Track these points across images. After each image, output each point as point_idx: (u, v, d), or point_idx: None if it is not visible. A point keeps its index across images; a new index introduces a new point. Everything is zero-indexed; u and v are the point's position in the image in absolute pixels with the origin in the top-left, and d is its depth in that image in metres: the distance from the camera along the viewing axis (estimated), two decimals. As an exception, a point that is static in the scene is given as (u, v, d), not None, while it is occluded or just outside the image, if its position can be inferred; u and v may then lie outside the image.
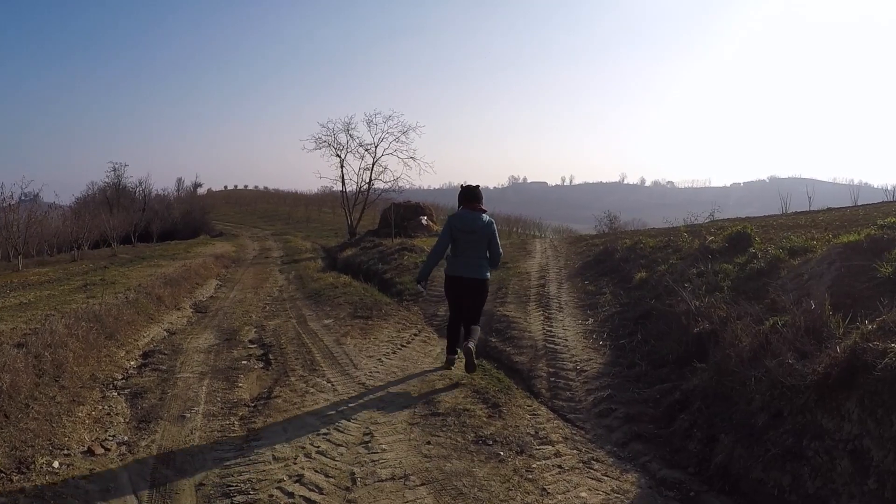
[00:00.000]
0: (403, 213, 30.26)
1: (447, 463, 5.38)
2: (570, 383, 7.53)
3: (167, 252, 27.99)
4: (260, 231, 49.79)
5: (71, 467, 5.51)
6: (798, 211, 23.69)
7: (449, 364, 8.15)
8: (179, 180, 77.17)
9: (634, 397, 6.83)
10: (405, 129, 33.82)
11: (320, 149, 34.60)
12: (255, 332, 11.35)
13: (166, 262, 22.47)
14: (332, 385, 7.73)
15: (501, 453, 5.56)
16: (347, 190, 35.48)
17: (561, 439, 5.95)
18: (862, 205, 23.20)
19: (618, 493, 4.92)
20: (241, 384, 8.10)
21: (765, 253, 9.36)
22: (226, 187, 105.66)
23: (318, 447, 5.82)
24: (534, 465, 5.33)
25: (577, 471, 5.29)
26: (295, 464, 5.46)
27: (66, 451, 5.85)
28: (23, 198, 30.43)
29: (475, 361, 7.64)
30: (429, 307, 12.71)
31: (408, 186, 35.31)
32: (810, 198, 24.78)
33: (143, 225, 43.66)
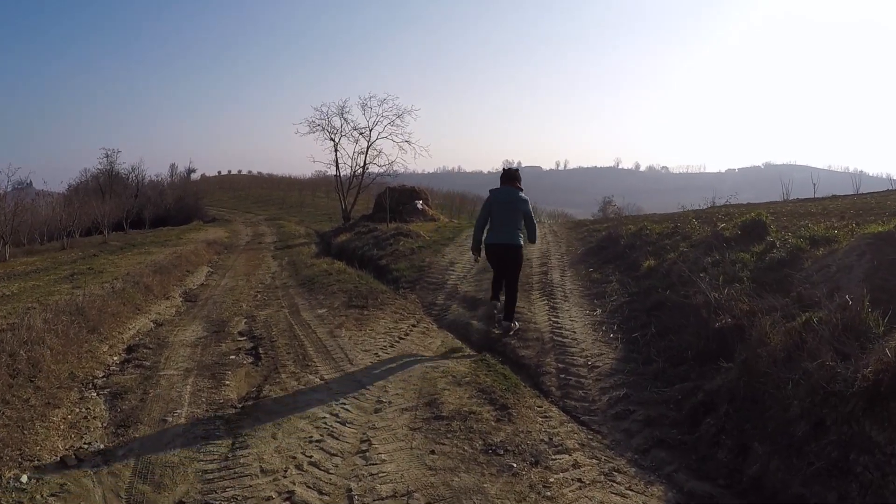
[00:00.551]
0: (398, 197, 29.76)
1: (454, 477, 4.85)
2: (582, 381, 7.01)
3: (159, 239, 27.57)
4: (253, 216, 49.31)
5: (41, 482, 4.98)
6: (802, 198, 23.24)
7: (492, 309, 9.41)
8: (173, 166, 76.50)
9: (653, 397, 6.31)
10: (400, 113, 33.31)
11: (314, 132, 34.10)
12: (245, 323, 10.85)
13: (157, 249, 22.13)
14: (326, 383, 7.21)
15: (514, 465, 5.04)
16: (342, 174, 34.97)
17: (577, 446, 5.44)
18: (868, 193, 22.77)
19: (646, 512, 4.42)
20: (228, 382, 7.59)
21: (784, 242, 8.86)
22: (219, 173, 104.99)
23: (311, 457, 5.29)
24: (551, 480, 4.81)
25: (598, 485, 4.78)
26: (285, 477, 4.94)
27: (37, 463, 5.33)
28: (16, 185, 29.96)
29: (510, 328, 9.02)
30: (426, 295, 12.20)
31: (402, 170, 34.87)
32: (815, 185, 24.30)
33: (136, 211, 43.40)
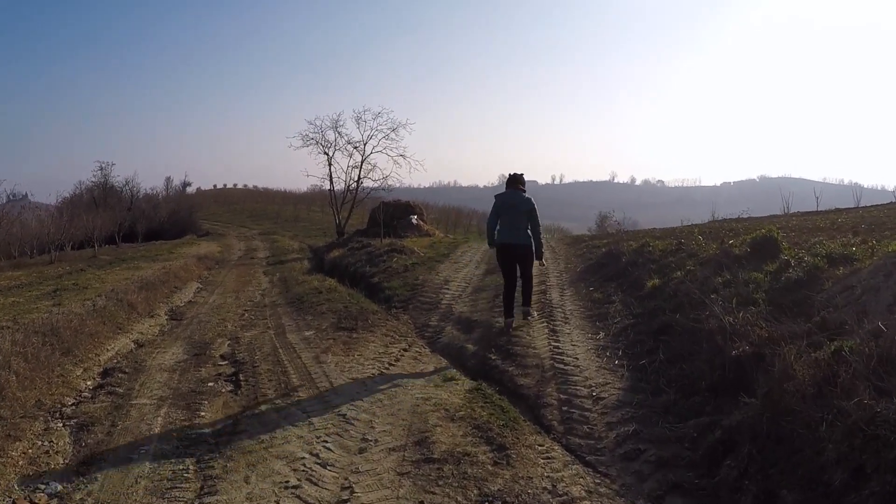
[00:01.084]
0: (393, 211, 29.23)
1: (446, 534, 4.27)
2: (587, 414, 6.43)
3: (150, 253, 27.06)
4: (247, 230, 48.75)
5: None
6: (804, 211, 22.79)
7: (507, 326, 9.61)
8: (168, 179, 76.12)
9: (665, 434, 5.73)
10: (395, 126, 32.74)
11: (308, 146, 33.48)
12: (229, 345, 10.34)
13: (146, 263, 21.65)
14: (308, 416, 6.62)
15: (513, 519, 4.46)
16: (335, 188, 34.43)
17: (584, 494, 4.85)
18: (872, 206, 22.31)
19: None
20: (203, 413, 7.06)
21: (799, 260, 8.32)
22: (215, 186, 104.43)
23: (285, 508, 4.72)
24: (556, 538, 4.24)
25: (609, 543, 4.20)
26: (254, 533, 4.37)
27: (-16, 508, 4.78)
28: (11, 198, 29.62)
29: (527, 318, 9.85)
30: (419, 315, 11.64)
31: (398, 185, 34.32)
32: (818, 198, 23.80)
33: (128, 225, 43.04)
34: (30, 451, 6.13)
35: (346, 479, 5.12)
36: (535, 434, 6.04)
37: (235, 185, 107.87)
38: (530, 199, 9.66)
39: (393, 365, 8.41)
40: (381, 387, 7.47)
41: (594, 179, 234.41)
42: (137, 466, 5.62)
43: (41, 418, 6.99)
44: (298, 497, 4.84)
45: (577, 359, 8.00)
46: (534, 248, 9.71)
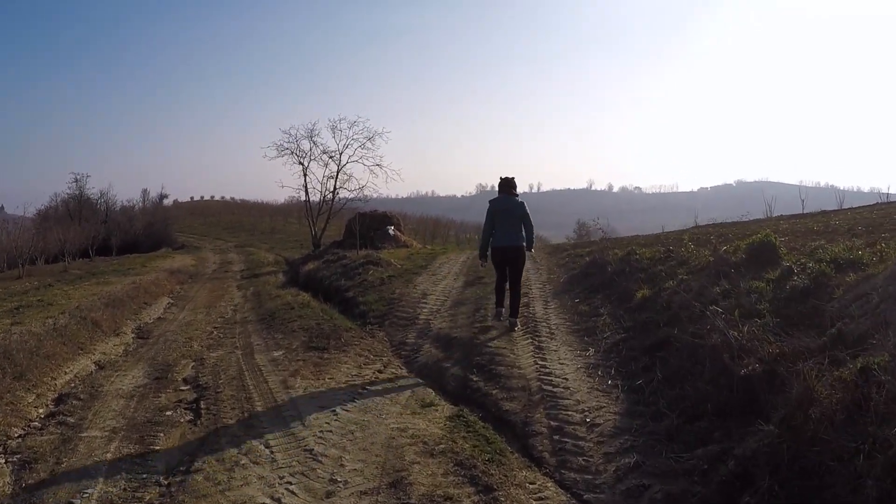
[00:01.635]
0: (369, 222, 28.57)
1: None
2: (581, 444, 5.78)
3: (122, 267, 26.41)
4: (223, 243, 48.03)
5: None
6: (792, 214, 22.32)
7: (498, 315, 10.18)
8: (145, 191, 74.78)
9: (671, 466, 5.09)
10: (371, 136, 32.03)
11: (282, 156, 32.72)
12: (193, 367, 9.70)
13: (117, 278, 21.05)
14: (271, 452, 5.93)
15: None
16: (311, 199, 33.70)
17: (584, 544, 4.21)
18: (859, 207, 21.88)
19: None
20: (158, 447, 6.39)
21: (802, 267, 7.74)
22: (192, 198, 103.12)
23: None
24: None
25: None
26: None
27: None
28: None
29: (514, 330, 9.76)
30: (396, 332, 10.96)
31: (375, 195, 33.62)
32: (803, 200, 23.36)
33: (102, 238, 42.34)
34: (-36, 494, 5.46)
35: (309, 531, 4.44)
36: (524, 469, 5.39)
37: (213, 197, 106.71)
38: (523, 203, 10.04)
39: (366, 389, 7.71)
40: (353, 415, 6.78)
41: (572, 187, 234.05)
42: (76, 515, 4.94)
43: (-18, 454, 6.34)
44: (253, 556, 4.16)
45: (566, 379, 7.35)
46: (527, 243, 10.06)
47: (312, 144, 32.64)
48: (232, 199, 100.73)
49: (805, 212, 22.66)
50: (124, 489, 5.42)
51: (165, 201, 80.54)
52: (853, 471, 3.89)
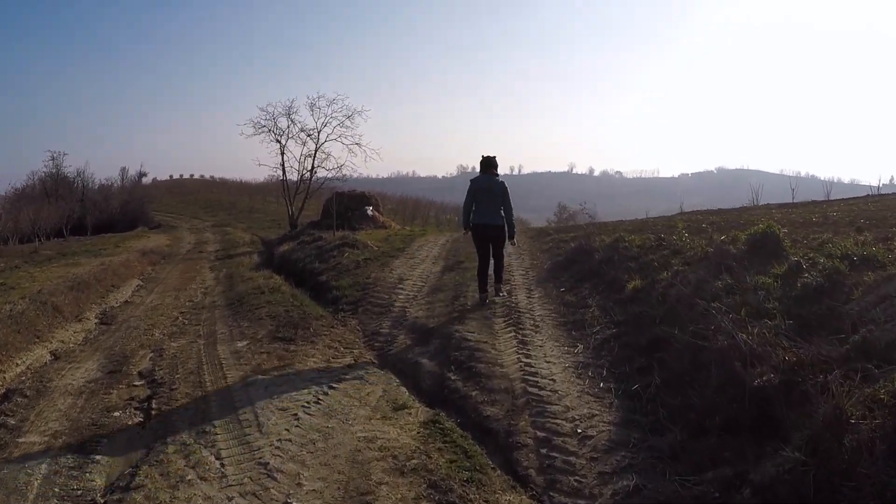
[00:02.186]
0: (347, 202, 27.82)
1: None
2: (572, 460, 5.10)
3: (95, 247, 25.39)
4: (200, 222, 47.12)
5: None
6: (782, 203, 21.81)
7: (482, 301, 10.12)
8: (123, 169, 73.18)
9: (677, 492, 4.41)
10: (350, 114, 31.22)
11: (259, 134, 31.87)
12: (151, 359, 9.01)
13: (87, 259, 20.13)
14: (222, 466, 5.22)
15: None
16: (289, 178, 32.92)
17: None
18: (851, 198, 21.42)
19: None
20: (99, 457, 5.72)
21: (812, 263, 7.11)
22: (171, 177, 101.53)
23: None
24: None
25: None
26: None
27: None
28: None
29: (499, 295, 10.27)
30: (370, 321, 10.25)
31: (355, 175, 32.93)
32: (794, 190, 22.85)
33: (76, 217, 41.51)
34: None
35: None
36: (508, 491, 4.71)
37: (192, 175, 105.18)
38: (503, 183, 10.12)
39: (334, 388, 6.95)
40: (317, 420, 6.05)
41: (553, 170, 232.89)
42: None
43: None
44: None
45: (553, 380, 6.65)
46: (506, 229, 10.12)
47: (290, 122, 31.88)
48: (211, 177, 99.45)
49: (794, 201, 22.15)
50: (53, 510, 4.73)
51: (144, 180, 79.20)
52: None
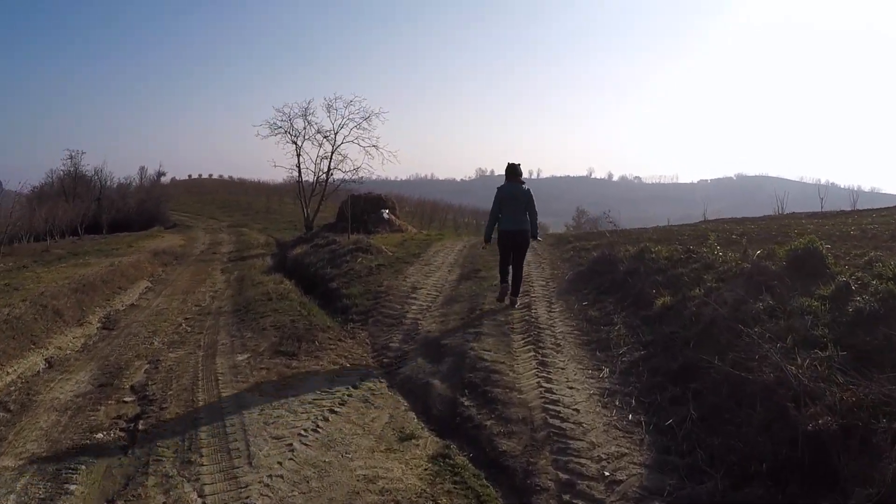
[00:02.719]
0: (363, 205, 27.27)
1: None
2: (599, 510, 4.50)
3: (108, 246, 25.11)
4: (216, 222, 47.00)
5: None
6: (811, 212, 21.02)
7: (502, 293, 10.36)
8: (143, 168, 73.31)
9: (721, 555, 3.81)
10: (367, 115, 30.81)
11: (275, 135, 31.48)
12: (146, 371, 8.52)
13: (97, 259, 19.77)
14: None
15: None
16: (304, 180, 32.49)
17: None
18: (881, 209, 20.60)
19: None
20: (73, 488, 5.16)
21: (862, 284, 6.47)
22: (189, 176, 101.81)
23: None
24: None
25: None
26: None
27: None
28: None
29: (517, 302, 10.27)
30: (380, 333, 9.68)
31: (373, 177, 32.57)
32: (822, 199, 21.99)
33: (91, 216, 41.30)
34: None
35: None
36: (527, 547, 4.11)
37: (211, 175, 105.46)
38: (529, 190, 10.30)
39: (335, 412, 6.38)
40: (313, 452, 5.47)
41: (571, 175, 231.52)
42: None
43: None
44: None
45: (577, 411, 6.02)
46: (531, 230, 10.31)
47: (307, 123, 31.51)
48: (230, 177, 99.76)
49: (822, 210, 21.36)
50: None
51: (163, 179, 79.52)
52: None
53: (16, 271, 17.42)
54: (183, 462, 5.42)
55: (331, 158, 31.45)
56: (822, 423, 4.33)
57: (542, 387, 6.63)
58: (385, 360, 8.45)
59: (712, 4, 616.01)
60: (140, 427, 6.41)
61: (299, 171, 32.23)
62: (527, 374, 7.07)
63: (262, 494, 4.72)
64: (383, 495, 4.66)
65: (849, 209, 23.07)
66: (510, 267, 10.48)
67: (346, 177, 31.59)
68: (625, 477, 4.82)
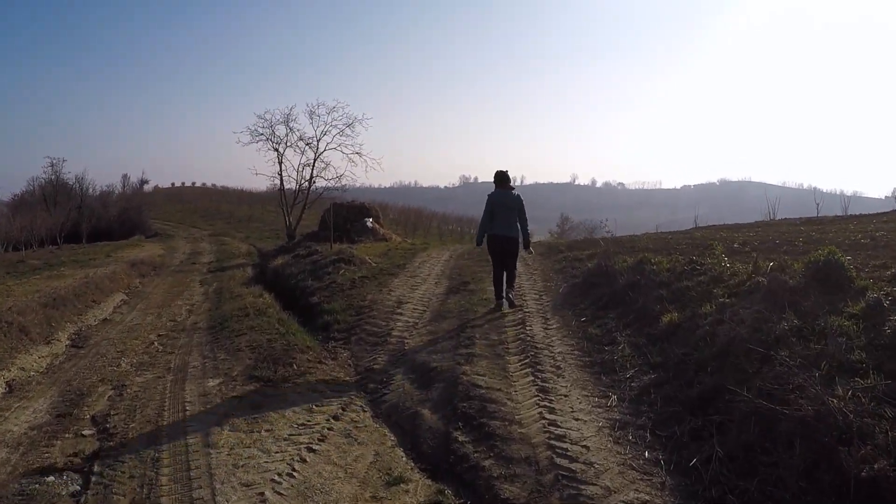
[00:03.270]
0: (346, 214, 26.62)
1: None
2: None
3: (85, 257, 24.36)
4: (198, 231, 46.19)
5: None
6: (807, 218, 20.44)
7: (498, 307, 10.37)
8: (125, 176, 72.48)
9: None
10: (350, 122, 30.17)
11: (256, 142, 30.81)
12: (109, 398, 7.79)
13: (71, 271, 18.99)
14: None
15: None
16: (286, 188, 31.84)
17: None
18: (880, 214, 20.08)
19: None
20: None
21: (894, 300, 5.86)
22: (173, 184, 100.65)
23: None
24: None
25: None
26: None
27: None
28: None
29: (516, 304, 10.42)
30: (363, 353, 9.02)
31: (357, 185, 31.93)
32: (818, 204, 21.44)
33: (71, 225, 40.49)
34: None
35: None
36: None
37: (194, 183, 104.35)
38: (519, 197, 10.51)
39: (314, 450, 5.68)
40: (289, 502, 4.79)
41: (555, 181, 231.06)
42: None
43: None
44: None
45: (586, 448, 5.33)
46: (522, 237, 10.52)
47: (289, 130, 30.86)
48: (213, 185, 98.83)
49: (819, 216, 20.81)
50: None
51: (146, 187, 78.79)
52: None
53: (-14, 284, 16.67)
54: (138, 517, 4.73)
55: (313, 166, 30.83)
56: (879, 468, 3.72)
57: (544, 418, 5.96)
58: (370, 384, 7.76)
59: (693, 14, 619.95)
60: (95, 469, 5.69)
61: (281, 179, 31.65)
62: (527, 402, 6.39)
63: (225, 560, 4.03)
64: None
65: (841, 214, 22.60)
66: (504, 279, 10.48)
67: (330, 184, 30.98)
68: (649, 532, 4.15)
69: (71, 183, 53.60)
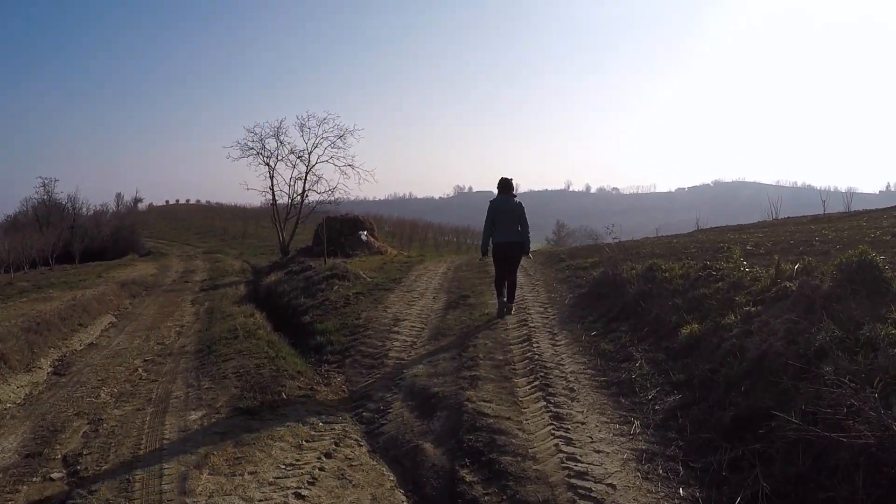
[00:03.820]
0: (340, 227, 26.17)
1: None
2: None
3: (75, 278, 23.99)
4: (192, 248, 45.96)
5: None
6: (813, 215, 19.90)
7: (500, 309, 10.41)
8: (119, 195, 72.10)
9: None
10: (342, 133, 29.75)
11: (247, 157, 30.30)
12: (84, 434, 7.16)
13: (60, 292, 18.52)
14: None
15: None
16: (278, 202, 31.36)
17: None
18: (885, 209, 19.56)
19: None
20: None
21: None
22: (167, 202, 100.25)
23: None
24: None
25: None
26: None
27: None
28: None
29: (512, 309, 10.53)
30: (358, 377, 8.42)
31: (351, 198, 31.61)
32: (824, 201, 20.92)
33: (63, 245, 40.37)
34: None
35: None
36: None
37: (188, 200, 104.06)
38: (521, 203, 10.53)
39: (303, 496, 5.02)
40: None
41: (549, 188, 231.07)
42: None
43: None
44: None
45: (612, 486, 4.68)
46: (523, 244, 10.45)
47: (279, 143, 30.43)
48: (207, 202, 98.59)
49: (826, 213, 20.28)
50: None
51: (140, 205, 78.47)
52: None
53: (-30, 309, 16.06)
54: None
55: (305, 179, 30.44)
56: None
57: (562, 451, 5.31)
58: (365, 413, 7.11)
59: (684, 19, 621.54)
60: (60, 521, 5.07)
61: (273, 194, 31.24)
62: (540, 433, 5.73)
63: None
64: None
65: (845, 211, 22.14)
66: (506, 283, 10.49)
67: (322, 198, 30.56)
68: None
69: (63, 203, 53.57)
